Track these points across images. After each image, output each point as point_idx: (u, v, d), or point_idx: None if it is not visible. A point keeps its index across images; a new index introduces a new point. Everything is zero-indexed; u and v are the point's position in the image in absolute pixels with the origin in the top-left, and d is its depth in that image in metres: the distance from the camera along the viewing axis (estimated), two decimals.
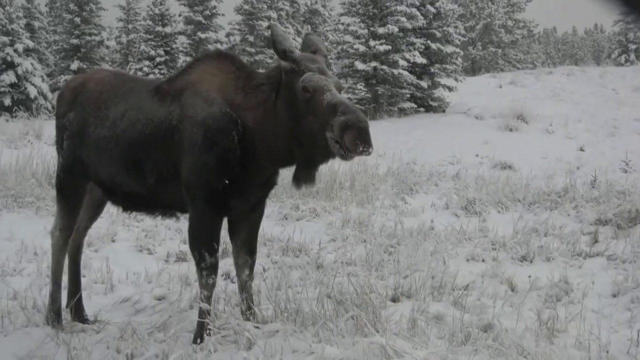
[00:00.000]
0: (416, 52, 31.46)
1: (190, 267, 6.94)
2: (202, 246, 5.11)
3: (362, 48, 31.21)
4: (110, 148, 5.38)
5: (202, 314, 5.10)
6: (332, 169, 12.95)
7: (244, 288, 5.44)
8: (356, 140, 4.35)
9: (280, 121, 4.84)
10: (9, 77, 34.26)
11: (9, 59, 34.44)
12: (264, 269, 7.41)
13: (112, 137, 5.36)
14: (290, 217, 10.13)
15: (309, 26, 46.53)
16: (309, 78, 4.64)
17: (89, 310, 6.01)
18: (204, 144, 4.97)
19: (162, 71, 41.69)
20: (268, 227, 9.03)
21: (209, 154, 4.96)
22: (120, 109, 5.39)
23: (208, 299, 5.16)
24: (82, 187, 5.79)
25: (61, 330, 5.47)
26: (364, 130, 4.35)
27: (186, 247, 7.12)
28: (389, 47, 30.65)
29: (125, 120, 5.33)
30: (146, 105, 5.29)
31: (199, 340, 5.04)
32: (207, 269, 5.10)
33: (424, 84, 31.69)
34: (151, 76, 39.75)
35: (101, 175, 5.56)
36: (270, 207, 10.01)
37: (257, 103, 4.98)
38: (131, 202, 5.67)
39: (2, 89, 34.19)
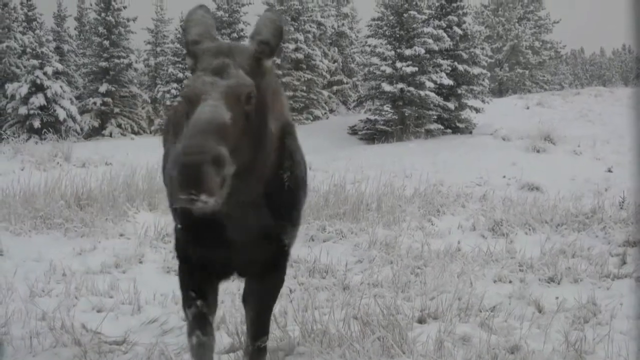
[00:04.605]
0: (443, 74, 31.54)
1: None
2: (181, 294, 4.19)
3: (388, 70, 31.30)
4: None
5: None
6: (359, 190, 12.95)
7: None
8: (174, 182, 2.88)
9: None
10: (39, 99, 34.67)
11: (38, 81, 34.87)
12: (290, 291, 7.40)
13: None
14: (317, 239, 10.11)
15: (335, 48, 46.57)
16: (187, 82, 3.28)
17: (117, 331, 6.02)
18: None
19: None
20: (295, 248, 9.03)
21: None
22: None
23: None
24: None
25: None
26: (187, 168, 2.81)
27: None
28: (416, 68, 30.76)
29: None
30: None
31: None
32: (187, 324, 4.11)
33: (450, 105, 31.73)
34: (179, 99, 39.94)
35: None
36: None
37: None
38: None
39: (32, 112, 34.60)
